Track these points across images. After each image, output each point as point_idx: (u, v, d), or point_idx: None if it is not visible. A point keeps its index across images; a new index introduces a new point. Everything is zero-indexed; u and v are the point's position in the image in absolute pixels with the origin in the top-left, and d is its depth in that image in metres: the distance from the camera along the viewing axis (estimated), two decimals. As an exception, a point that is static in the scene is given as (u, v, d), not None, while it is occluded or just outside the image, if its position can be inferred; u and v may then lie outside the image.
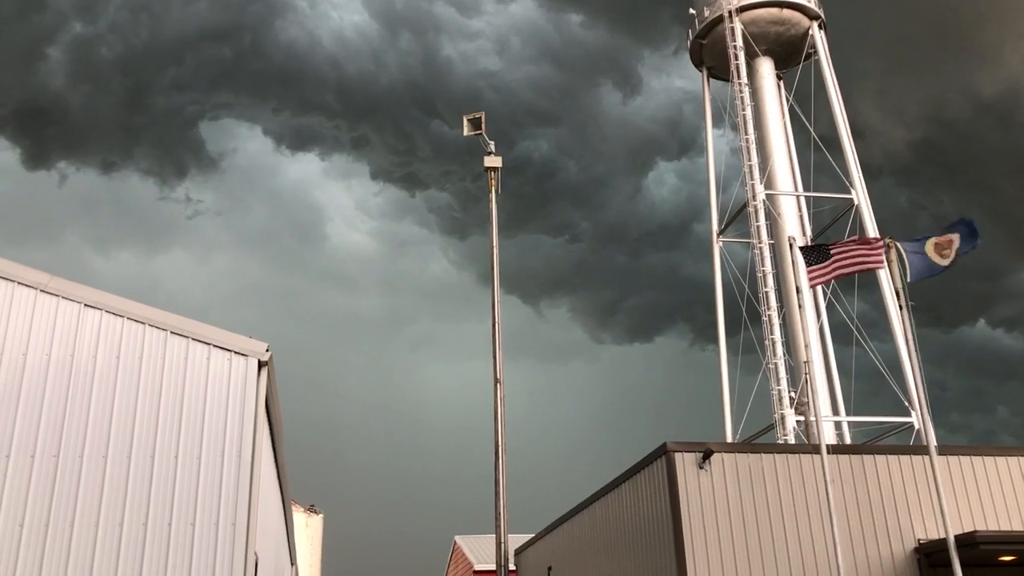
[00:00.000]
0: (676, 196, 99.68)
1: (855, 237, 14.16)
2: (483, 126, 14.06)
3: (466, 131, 14.12)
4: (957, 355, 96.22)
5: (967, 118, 79.85)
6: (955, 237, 13.40)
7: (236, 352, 11.35)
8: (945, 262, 13.35)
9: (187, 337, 11.35)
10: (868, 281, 26.80)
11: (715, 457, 14.18)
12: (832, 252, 13.83)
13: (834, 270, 13.85)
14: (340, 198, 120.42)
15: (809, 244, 25.55)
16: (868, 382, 26.07)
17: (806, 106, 29.46)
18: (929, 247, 13.51)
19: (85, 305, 11.35)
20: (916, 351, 13.65)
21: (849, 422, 26.28)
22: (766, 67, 30.42)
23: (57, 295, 11.36)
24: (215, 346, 11.35)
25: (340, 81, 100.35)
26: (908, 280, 13.46)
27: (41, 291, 11.35)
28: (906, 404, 24.83)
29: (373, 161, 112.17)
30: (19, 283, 11.36)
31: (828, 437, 24.65)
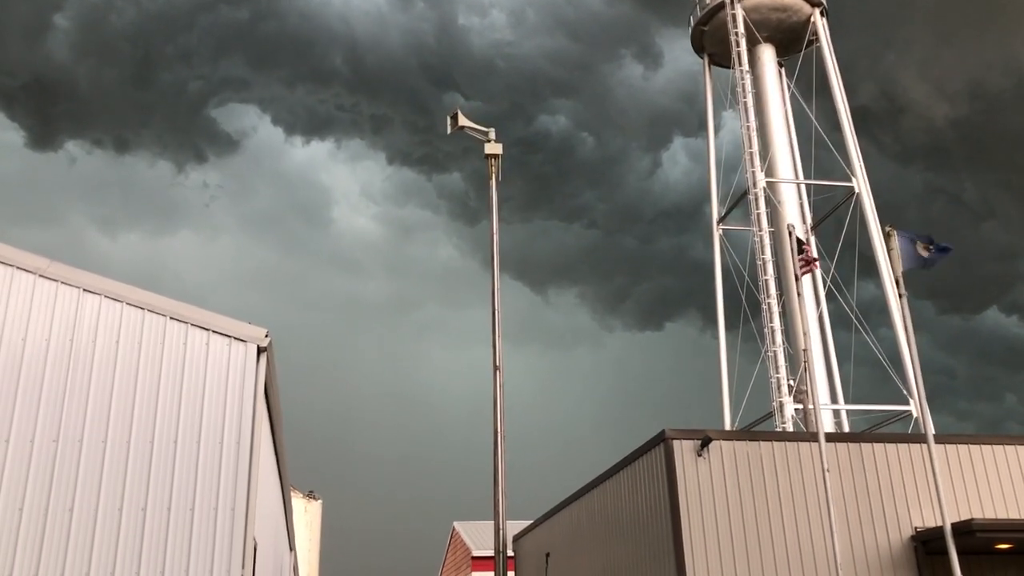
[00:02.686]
0: (688, 177, 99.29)
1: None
2: (459, 120, 14.04)
3: (450, 129, 14.11)
4: (973, 342, 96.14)
5: (1009, 95, 78.45)
6: (930, 246, 13.59)
7: (235, 338, 11.36)
8: (925, 254, 13.47)
9: (186, 323, 11.36)
10: (873, 270, 26.81)
11: (713, 444, 14.22)
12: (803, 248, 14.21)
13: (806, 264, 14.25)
14: (353, 182, 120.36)
15: (807, 232, 25.54)
16: (876, 370, 26.03)
17: (810, 93, 29.39)
18: (919, 244, 13.63)
19: (84, 290, 11.35)
20: (914, 339, 13.66)
21: (848, 410, 26.32)
22: (767, 54, 30.30)
23: (56, 280, 11.36)
24: (214, 332, 11.36)
25: (355, 52, 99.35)
26: (903, 269, 13.50)
27: (40, 276, 11.35)
28: (904, 393, 24.87)
29: (391, 144, 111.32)
30: (18, 268, 11.36)
31: (826, 425, 24.69)
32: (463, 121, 14.12)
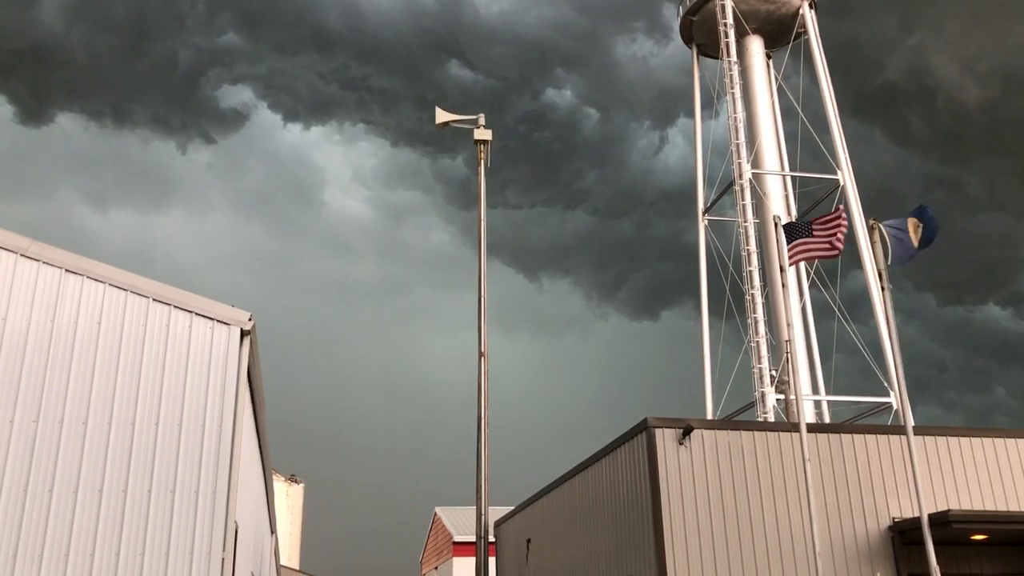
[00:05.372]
0: (686, 161, 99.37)
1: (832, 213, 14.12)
2: (438, 117, 13.96)
3: (438, 126, 14.04)
4: (967, 334, 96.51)
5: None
6: (917, 221, 13.43)
7: (218, 320, 11.31)
8: (917, 245, 13.40)
9: (169, 305, 11.29)
10: (850, 262, 26.93)
11: (695, 433, 14.30)
12: (814, 231, 13.91)
13: (809, 250, 13.99)
14: (347, 166, 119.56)
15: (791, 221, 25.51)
16: (863, 360, 26.14)
17: (802, 85, 29.42)
18: (910, 228, 13.54)
19: (66, 271, 11.25)
20: (896, 332, 13.75)
21: (829, 401, 26.50)
22: (756, 46, 30.32)
23: (38, 260, 11.25)
24: (197, 314, 11.30)
25: (360, 22, 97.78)
26: (888, 263, 13.52)
27: (21, 255, 11.24)
28: (885, 384, 25.06)
29: (400, 125, 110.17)
30: (-1, 247, 11.25)
31: (808, 416, 24.85)
32: (444, 117, 14.03)
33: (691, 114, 32.26)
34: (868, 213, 27.39)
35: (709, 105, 31.66)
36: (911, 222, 13.43)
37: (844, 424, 20.72)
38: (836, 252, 13.92)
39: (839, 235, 13.82)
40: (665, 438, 14.20)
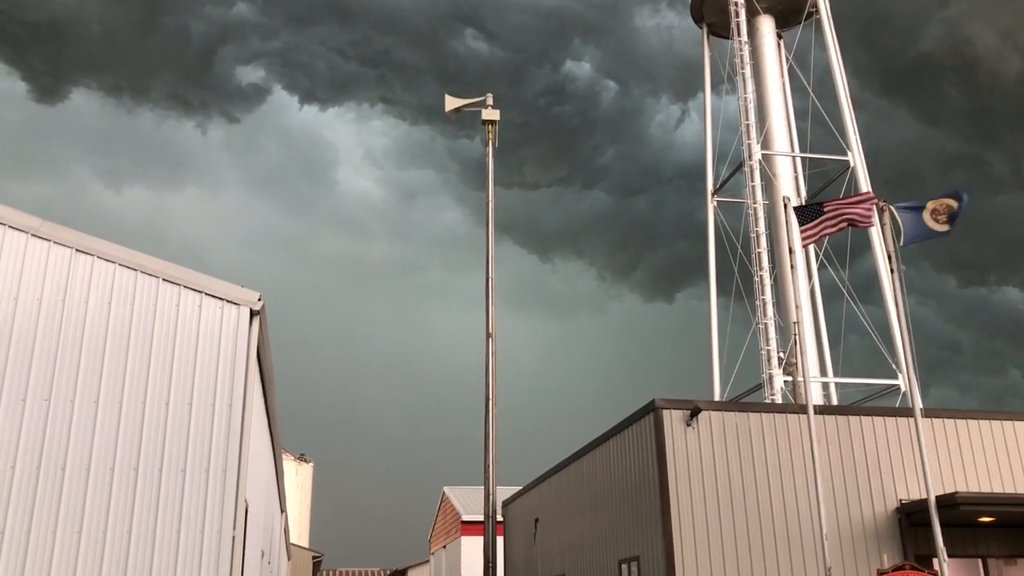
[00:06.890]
0: (699, 139, 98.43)
1: (850, 195, 13.97)
2: (447, 104, 13.90)
3: (448, 113, 13.98)
4: (983, 315, 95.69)
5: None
6: (954, 203, 13.26)
7: (228, 301, 11.35)
8: (941, 228, 13.27)
9: (179, 285, 11.35)
10: (865, 242, 26.77)
11: (703, 415, 14.32)
12: (825, 209, 13.79)
13: (823, 227, 13.85)
14: (362, 143, 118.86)
15: (803, 204, 25.34)
16: (873, 342, 26.03)
17: (812, 66, 29.18)
18: (926, 212, 13.43)
19: (76, 250, 11.30)
20: (905, 313, 13.70)
21: (837, 383, 26.46)
22: (767, 25, 30.06)
23: (48, 240, 11.30)
24: (207, 294, 11.35)
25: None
26: (900, 243, 13.45)
27: (32, 235, 11.30)
28: (893, 367, 25.01)
29: (419, 103, 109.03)
30: (10, 227, 11.30)
31: (815, 398, 24.84)
32: (454, 103, 13.96)
33: (712, 88, 31.93)
34: (886, 192, 27.27)
35: (720, 84, 31.46)
36: (937, 206, 13.23)
37: (852, 406, 20.72)
38: (854, 225, 13.66)
39: (866, 210, 13.50)
40: (673, 419, 14.23)
